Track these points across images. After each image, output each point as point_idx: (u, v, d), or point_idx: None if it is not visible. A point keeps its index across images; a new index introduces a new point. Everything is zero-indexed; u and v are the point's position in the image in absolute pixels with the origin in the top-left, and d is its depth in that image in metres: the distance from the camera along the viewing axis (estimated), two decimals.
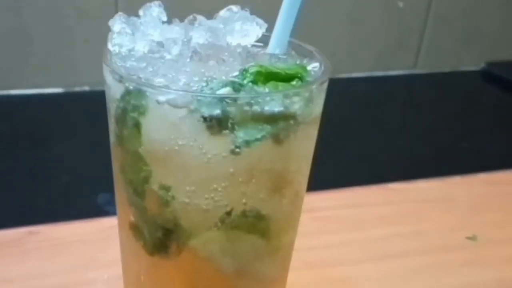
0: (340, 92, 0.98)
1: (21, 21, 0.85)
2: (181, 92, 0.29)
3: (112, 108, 0.32)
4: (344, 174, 0.76)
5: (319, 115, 0.33)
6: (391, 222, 0.62)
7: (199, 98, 0.29)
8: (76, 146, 0.77)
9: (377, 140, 0.89)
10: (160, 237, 0.33)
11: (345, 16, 1.06)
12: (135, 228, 0.34)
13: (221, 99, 0.29)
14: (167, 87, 0.29)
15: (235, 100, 0.29)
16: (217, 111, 0.29)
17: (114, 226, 0.57)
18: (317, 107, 0.32)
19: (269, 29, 0.35)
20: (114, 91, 0.31)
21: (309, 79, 0.32)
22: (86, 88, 0.91)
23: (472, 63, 1.19)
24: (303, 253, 0.53)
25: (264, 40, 0.35)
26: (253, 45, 0.35)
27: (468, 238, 0.60)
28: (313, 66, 0.33)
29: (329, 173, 0.74)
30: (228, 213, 0.32)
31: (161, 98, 0.29)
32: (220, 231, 0.33)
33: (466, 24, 1.15)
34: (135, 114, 0.30)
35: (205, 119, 0.29)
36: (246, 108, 0.29)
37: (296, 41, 0.36)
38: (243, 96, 0.29)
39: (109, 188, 0.68)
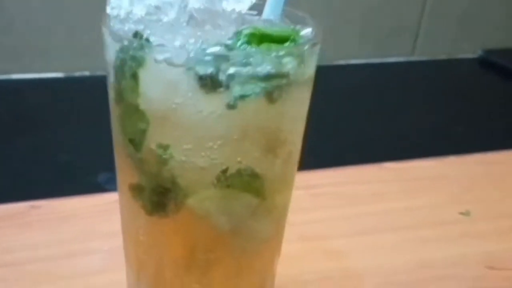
0: (338, 78, 1.00)
1: (22, 7, 0.86)
2: (177, 50, 0.30)
3: (110, 68, 0.33)
4: (340, 154, 0.78)
5: (311, 78, 0.34)
6: (385, 199, 0.63)
7: (194, 56, 0.30)
8: (77, 129, 0.78)
9: (374, 123, 0.90)
10: (159, 196, 0.35)
11: (343, 3, 1.07)
12: (134, 189, 0.36)
13: (216, 57, 0.30)
14: (163, 45, 0.31)
15: (228, 58, 0.30)
16: (211, 69, 0.30)
17: (115, 201, 0.58)
18: (309, 69, 0.33)
19: None
20: (113, 52, 0.32)
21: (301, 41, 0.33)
22: (86, 73, 0.93)
23: (469, 51, 1.20)
24: (298, 227, 0.55)
25: (258, 8, 0.36)
26: (247, 13, 0.36)
27: (461, 213, 0.62)
28: (306, 31, 0.34)
29: (326, 152, 0.75)
30: (224, 172, 0.33)
31: (159, 57, 0.30)
32: (216, 190, 0.34)
33: (463, 11, 1.16)
34: (132, 67, 0.31)
35: (200, 77, 0.30)
36: (240, 67, 0.30)
37: (290, 9, 0.37)
38: (235, 54, 0.30)
39: (109, 168, 0.69)
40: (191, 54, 0.30)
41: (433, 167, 0.71)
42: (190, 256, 0.37)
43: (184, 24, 0.34)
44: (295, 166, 0.38)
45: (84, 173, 0.68)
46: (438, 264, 0.54)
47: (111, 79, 0.34)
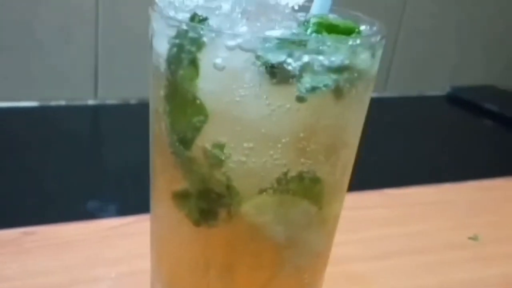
0: None
1: None
2: (248, 35, 0.28)
3: (161, 60, 0.30)
4: None
5: (375, 76, 0.32)
6: (393, 223, 0.62)
7: (266, 42, 0.28)
8: (59, 157, 0.74)
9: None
10: (209, 203, 0.31)
11: None
12: (178, 197, 0.32)
13: (290, 44, 0.28)
14: (231, 29, 0.28)
15: (304, 45, 0.28)
16: (284, 57, 0.28)
17: (114, 227, 0.54)
18: (376, 65, 0.32)
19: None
20: (167, 41, 0.29)
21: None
22: (62, 102, 0.88)
23: (438, 88, 1.22)
24: None
25: (305, 10, 0.34)
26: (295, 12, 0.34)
27: (470, 238, 0.60)
28: (363, 27, 0.33)
29: None
30: (285, 174, 0.30)
31: (227, 42, 0.28)
32: (274, 195, 0.31)
33: (431, 50, 1.19)
34: (192, 53, 0.28)
35: (271, 66, 0.28)
36: (313, 55, 0.28)
37: (339, 8, 0.35)
38: (312, 40, 0.28)
39: (98, 196, 0.65)
40: (262, 41, 0.28)
41: (432, 193, 0.70)
42: (236, 270, 0.33)
43: (239, 15, 0.31)
44: (350, 174, 0.35)
45: (72, 201, 0.63)
46: (456, 287, 0.52)
47: (161, 72, 0.31)
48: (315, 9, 0.34)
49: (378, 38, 0.30)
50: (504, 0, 1.21)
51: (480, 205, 0.67)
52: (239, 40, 0.28)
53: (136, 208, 0.57)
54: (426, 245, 0.58)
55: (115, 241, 0.52)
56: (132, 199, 0.65)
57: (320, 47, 0.28)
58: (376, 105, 1.21)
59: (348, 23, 0.31)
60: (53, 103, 0.88)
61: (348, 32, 0.30)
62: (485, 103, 1.12)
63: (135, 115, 0.89)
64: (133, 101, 0.93)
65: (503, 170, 0.80)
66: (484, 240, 0.60)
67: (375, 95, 1.11)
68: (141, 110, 0.90)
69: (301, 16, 0.33)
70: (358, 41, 0.29)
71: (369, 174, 0.82)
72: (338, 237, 0.57)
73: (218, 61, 0.28)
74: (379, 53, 0.31)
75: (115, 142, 0.82)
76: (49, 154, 0.74)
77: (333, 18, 0.32)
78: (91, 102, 0.91)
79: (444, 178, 0.77)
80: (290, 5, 0.33)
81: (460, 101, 1.18)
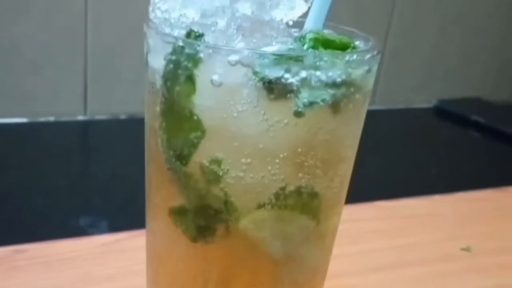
0: None
1: None
2: (245, 51, 0.28)
3: (157, 76, 0.30)
4: None
5: (370, 91, 0.33)
6: (385, 236, 0.62)
7: (263, 58, 0.28)
8: (49, 174, 0.73)
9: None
10: (206, 219, 0.31)
11: None
12: (176, 213, 0.32)
13: (287, 60, 0.28)
14: (228, 45, 0.28)
15: (301, 61, 0.28)
16: (282, 72, 0.28)
17: (108, 243, 0.54)
18: (372, 80, 0.32)
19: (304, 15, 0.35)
20: (163, 57, 0.29)
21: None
22: (51, 118, 0.88)
23: (425, 100, 1.23)
24: None
25: (299, 25, 0.35)
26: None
27: (463, 249, 0.61)
28: (358, 42, 0.33)
29: None
30: (283, 189, 0.30)
31: (223, 58, 0.28)
32: (273, 210, 0.31)
33: (418, 64, 1.20)
34: (189, 69, 0.28)
35: (269, 81, 0.28)
36: (311, 71, 0.28)
37: (333, 24, 0.35)
38: (309, 56, 0.28)
39: (90, 212, 0.65)
40: (260, 57, 0.28)
41: (423, 205, 0.70)
42: (234, 287, 0.33)
43: (235, 32, 0.31)
44: (347, 188, 0.35)
45: (63, 218, 0.62)
46: None
47: (157, 89, 0.31)
48: (309, 24, 0.34)
49: (374, 53, 0.31)
50: (491, 13, 1.22)
51: (471, 216, 0.68)
52: (236, 56, 0.28)
53: (128, 224, 0.56)
54: (419, 257, 0.58)
55: (108, 258, 0.51)
56: (124, 215, 0.65)
57: (318, 63, 0.28)
58: (367, 118, 1.21)
59: (344, 39, 0.31)
60: (43, 119, 0.87)
61: (344, 47, 0.31)
62: (471, 115, 1.13)
63: (125, 130, 0.89)
64: (122, 116, 0.93)
65: (491, 181, 0.80)
66: (477, 251, 0.60)
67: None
68: (131, 125, 0.90)
69: (295, 31, 0.33)
70: (355, 56, 0.29)
71: (359, 187, 0.82)
72: None
73: (215, 77, 0.28)
74: (375, 68, 0.31)
75: (106, 158, 0.82)
76: (40, 170, 0.74)
77: (328, 33, 0.32)
78: (80, 117, 0.90)
79: (434, 190, 0.77)
80: (284, 21, 0.33)
81: (447, 113, 1.19)
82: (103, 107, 0.91)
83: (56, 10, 0.84)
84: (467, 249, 0.61)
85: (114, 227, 0.61)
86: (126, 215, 0.65)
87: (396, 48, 1.16)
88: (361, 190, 0.79)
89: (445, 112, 1.19)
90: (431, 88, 1.24)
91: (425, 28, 1.18)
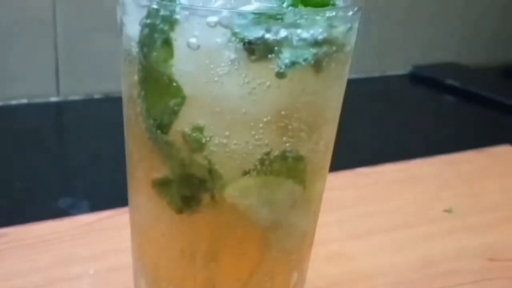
0: None
1: None
2: (223, 12, 0.27)
3: (133, 42, 0.29)
4: None
5: (352, 50, 0.32)
6: (368, 202, 0.62)
7: (242, 18, 0.27)
8: (25, 156, 0.72)
9: None
10: (191, 189, 0.30)
11: None
12: (159, 184, 0.31)
13: (267, 19, 0.27)
14: (205, 6, 0.27)
15: (281, 19, 0.27)
16: (262, 32, 0.27)
17: (90, 222, 0.53)
18: (353, 38, 0.31)
19: None
20: (138, 22, 0.28)
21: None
22: (24, 100, 0.86)
23: (400, 67, 1.23)
24: None
25: None
26: None
27: (445, 210, 0.61)
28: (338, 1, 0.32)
29: None
30: (268, 154, 0.30)
31: (200, 20, 0.27)
32: (258, 176, 0.30)
33: (392, 31, 1.20)
34: (165, 32, 0.27)
35: (249, 42, 0.27)
36: (292, 29, 0.27)
37: None
38: (289, 14, 0.27)
39: (69, 193, 0.64)
40: (239, 17, 0.27)
41: (403, 170, 0.70)
42: (223, 256, 0.32)
43: None
44: (331, 151, 0.35)
45: (43, 200, 0.61)
46: (440, 260, 0.52)
47: (133, 56, 0.30)
48: None
49: (355, 9, 0.30)
50: None
51: (452, 178, 0.68)
52: (214, 17, 0.27)
53: (110, 203, 0.56)
54: (402, 221, 0.58)
55: (90, 238, 0.50)
56: (104, 194, 0.64)
57: (298, 21, 0.27)
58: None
59: None
60: (14, 102, 0.85)
61: (323, 4, 0.30)
62: (446, 80, 1.13)
63: (100, 110, 0.87)
64: (97, 96, 0.91)
65: (468, 144, 0.81)
66: (459, 212, 0.61)
67: None
68: (106, 104, 0.88)
69: None
70: (335, 13, 0.28)
71: (339, 155, 0.82)
72: None
73: (193, 40, 0.27)
74: (356, 25, 0.31)
75: (82, 138, 0.80)
76: (15, 154, 0.72)
77: None
78: (53, 99, 0.88)
79: (413, 154, 0.77)
80: None
81: (423, 79, 1.19)
82: (76, 87, 0.89)
83: None
84: (449, 211, 0.61)
85: (95, 207, 0.60)
86: (107, 194, 0.64)
87: (370, 15, 1.15)
88: (341, 158, 0.80)
89: (421, 78, 1.19)
90: (406, 55, 1.24)
91: None
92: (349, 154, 0.83)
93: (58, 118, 0.91)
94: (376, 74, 1.22)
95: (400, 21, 1.19)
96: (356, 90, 1.15)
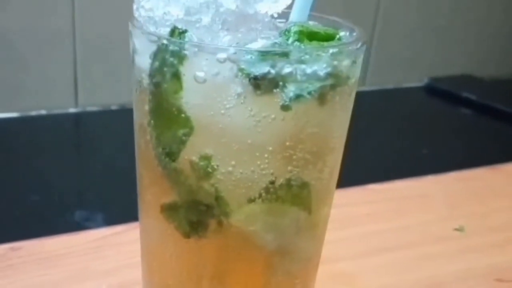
0: None
1: None
2: (230, 49, 0.28)
3: (144, 74, 0.30)
4: None
5: (357, 82, 0.33)
6: (377, 219, 0.62)
7: (249, 55, 0.28)
8: (43, 168, 0.73)
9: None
10: (198, 215, 0.31)
11: None
12: (168, 209, 0.32)
13: (273, 55, 0.28)
14: (214, 43, 0.28)
15: (286, 56, 0.28)
16: (268, 68, 0.28)
17: (104, 237, 0.54)
18: (358, 70, 0.32)
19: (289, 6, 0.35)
20: (149, 55, 0.30)
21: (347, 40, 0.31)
22: (43, 111, 0.88)
23: (416, 79, 1.23)
24: None
25: (284, 16, 0.35)
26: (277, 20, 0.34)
27: (456, 229, 0.61)
28: (343, 33, 0.33)
29: None
30: (273, 182, 0.31)
31: (209, 56, 0.28)
32: (263, 203, 0.31)
33: (408, 43, 1.20)
34: (175, 66, 0.28)
35: (255, 77, 0.28)
36: (296, 65, 0.28)
37: (318, 14, 0.35)
38: (294, 51, 0.28)
39: (85, 206, 0.65)
40: (245, 54, 0.28)
41: (414, 186, 0.71)
42: (229, 280, 0.33)
43: (220, 27, 0.31)
44: (337, 177, 0.35)
45: (59, 212, 0.62)
46: (447, 280, 0.53)
47: (144, 87, 0.31)
48: (294, 16, 0.34)
49: (359, 44, 0.31)
50: None
51: (463, 196, 0.68)
52: (221, 53, 0.28)
53: (125, 216, 0.57)
54: (412, 239, 0.59)
55: (104, 252, 0.51)
56: (119, 208, 0.65)
57: (302, 57, 0.28)
58: (355, 99, 1.22)
59: (329, 30, 0.31)
60: (34, 113, 0.87)
61: (329, 39, 0.31)
62: (462, 92, 1.13)
63: (117, 121, 0.89)
64: (114, 107, 0.92)
65: (483, 159, 0.81)
66: (470, 231, 0.61)
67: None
68: (122, 115, 0.90)
69: (280, 22, 0.33)
70: (339, 49, 0.29)
71: (352, 170, 0.82)
72: None
73: (200, 74, 0.28)
74: (360, 59, 0.31)
75: (99, 150, 0.82)
76: (33, 165, 0.74)
77: (313, 25, 0.32)
78: (72, 110, 0.90)
79: (427, 169, 0.77)
80: (269, 13, 0.33)
81: (438, 91, 1.19)
82: (94, 98, 0.91)
83: (43, 1, 0.83)
84: (460, 229, 0.61)
85: (110, 220, 0.61)
86: (122, 207, 0.65)
87: (385, 27, 1.15)
88: (353, 173, 0.80)
89: (436, 90, 1.19)
90: (422, 67, 1.24)
91: (414, 6, 1.17)
92: (362, 168, 0.84)
93: (75, 129, 0.93)
94: (391, 86, 1.22)
95: (416, 33, 1.20)
96: (371, 102, 1.16)
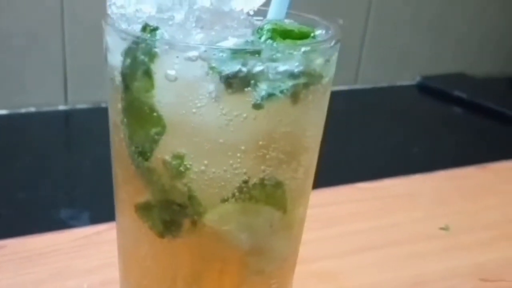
0: None
1: None
2: (201, 47, 0.28)
3: (116, 72, 0.30)
4: None
5: (331, 80, 0.33)
6: (364, 218, 0.62)
7: (219, 53, 0.28)
8: (30, 166, 0.73)
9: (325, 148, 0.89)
10: (172, 214, 0.31)
11: None
12: (141, 209, 0.32)
13: (244, 54, 0.28)
14: (184, 41, 0.28)
15: (258, 54, 0.28)
16: (239, 67, 0.28)
17: (88, 235, 0.54)
18: (332, 69, 0.32)
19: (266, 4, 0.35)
20: (120, 53, 0.29)
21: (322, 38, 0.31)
22: (32, 109, 0.88)
23: (408, 78, 1.23)
24: None
25: (262, 14, 0.34)
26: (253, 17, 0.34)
27: (441, 228, 0.61)
28: (319, 32, 0.33)
29: None
30: (246, 182, 0.30)
31: (179, 54, 0.28)
32: (237, 203, 0.31)
33: (400, 41, 1.20)
34: (146, 63, 0.28)
35: (226, 76, 0.28)
36: (268, 63, 0.28)
37: (295, 12, 0.35)
38: (266, 49, 0.28)
39: (71, 204, 0.65)
40: (217, 52, 0.28)
41: (403, 185, 0.71)
42: (204, 280, 0.33)
43: (194, 25, 0.31)
44: (313, 176, 0.35)
45: (44, 210, 0.62)
46: (432, 278, 0.52)
47: (116, 85, 0.31)
48: (271, 13, 0.34)
49: (332, 43, 0.30)
50: None
51: (450, 195, 0.68)
52: (192, 52, 0.27)
53: (110, 215, 0.56)
54: (398, 237, 0.59)
55: (87, 251, 0.51)
56: (106, 206, 0.65)
57: (274, 55, 0.28)
58: (347, 97, 1.22)
59: (303, 28, 0.31)
60: (23, 110, 0.87)
61: (303, 37, 0.30)
62: (454, 91, 1.13)
63: (106, 119, 0.88)
64: (104, 105, 0.92)
65: (475, 158, 0.81)
66: (455, 230, 0.61)
67: (346, 87, 1.11)
68: None
69: (257, 20, 0.33)
70: (311, 47, 0.29)
71: (342, 168, 0.82)
72: (309, 235, 0.57)
73: (171, 72, 0.28)
74: (334, 57, 0.31)
75: (88, 147, 0.82)
76: (21, 162, 0.73)
77: (288, 23, 0.32)
78: (61, 107, 0.90)
79: (417, 168, 0.77)
80: (245, 11, 0.33)
81: (430, 90, 1.19)
82: (84, 95, 0.91)
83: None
84: (445, 228, 0.61)
85: (96, 219, 0.61)
86: (109, 206, 0.65)
87: (377, 25, 1.15)
88: (343, 171, 0.80)
89: (428, 89, 1.19)
90: (413, 65, 1.24)
91: (406, 4, 1.17)
92: (352, 166, 0.84)
93: (65, 126, 0.93)
94: (383, 84, 1.22)
95: (408, 31, 1.19)
96: (363, 100, 1.16)
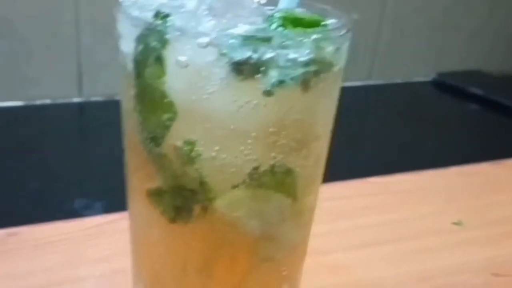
0: None
1: None
2: (212, 33, 0.28)
3: (128, 60, 0.30)
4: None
5: (342, 69, 0.33)
6: (376, 212, 0.62)
7: (231, 40, 0.28)
8: (46, 156, 0.74)
9: (339, 143, 0.89)
10: (183, 200, 0.32)
11: None
12: (153, 195, 0.32)
13: (255, 40, 0.28)
14: (196, 27, 0.28)
15: (268, 41, 0.28)
16: (250, 53, 0.28)
17: (99, 224, 0.55)
18: (343, 58, 0.32)
19: None
20: (132, 40, 0.30)
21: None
22: (47, 101, 0.88)
23: (423, 74, 1.22)
24: None
25: (273, 3, 0.35)
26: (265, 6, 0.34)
27: (454, 223, 0.61)
28: (331, 21, 0.33)
29: None
30: (256, 168, 0.31)
31: (191, 40, 0.28)
32: (247, 189, 0.31)
33: (416, 37, 1.19)
34: (157, 50, 0.28)
35: (237, 63, 0.28)
36: (279, 50, 0.28)
37: (308, 2, 0.35)
38: (276, 36, 0.28)
39: (84, 194, 0.65)
40: (227, 38, 0.28)
41: (415, 180, 0.70)
42: (214, 266, 0.34)
43: (205, 12, 0.31)
44: (324, 165, 0.35)
45: (57, 200, 0.63)
46: (443, 273, 0.52)
47: (129, 72, 0.31)
48: (283, 3, 0.34)
49: (343, 31, 0.31)
50: None
51: (463, 190, 0.68)
52: (203, 38, 0.28)
53: (123, 205, 0.57)
54: (409, 232, 0.59)
55: (99, 240, 0.52)
56: (118, 197, 0.65)
57: (284, 42, 0.28)
58: (362, 92, 1.22)
59: (314, 17, 0.31)
60: (38, 102, 0.88)
61: (313, 25, 0.30)
62: (470, 88, 1.12)
63: (120, 111, 0.89)
64: (118, 97, 0.92)
65: (489, 154, 0.80)
66: (468, 225, 0.61)
67: (360, 83, 1.11)
68: None
69: (269, 9, 0.33)
70: (322, 35, 0.29)
71: (354, 162, 0.82)
72: (320, 228, 0.57)
73: (182, 58, 0.28)
74: (345, 46, 0.31)
75: (102, 139, 0.82)
76: (36, 153, 0.74)
77: (300, 12, 0.32)
78: (76, 99, 0.91)
79: (430, 164, 0.77)
80: (256, 0, 0.33)
81: (446, 86, 1.18)
82: (98, 88, 0.91)
83: None
84: (458, 223, 0.61)
85: (109, 209, 0.61)
86: (121, 196, 0.66)
87: (394, 22, 1.15)
88: (358, 166, 0.80)
89: (443, 85, 1.19)
90: (429, 61, 1.23)
91: (422, 1, 1.17)
92: (367, 161, 0.84)
93: (79, 118, 0.93)
94: (399, 80, 1.21)
95: (424, 27, 1.19)
96: (378, 95, 1.16)
